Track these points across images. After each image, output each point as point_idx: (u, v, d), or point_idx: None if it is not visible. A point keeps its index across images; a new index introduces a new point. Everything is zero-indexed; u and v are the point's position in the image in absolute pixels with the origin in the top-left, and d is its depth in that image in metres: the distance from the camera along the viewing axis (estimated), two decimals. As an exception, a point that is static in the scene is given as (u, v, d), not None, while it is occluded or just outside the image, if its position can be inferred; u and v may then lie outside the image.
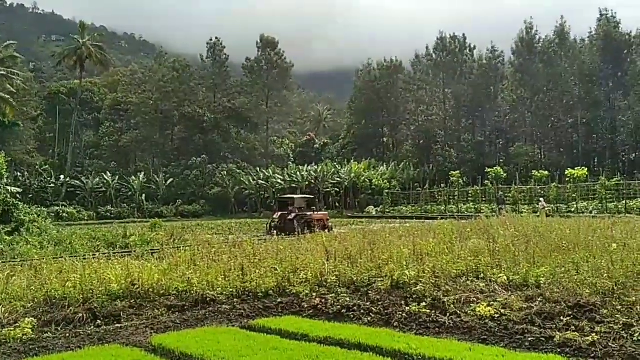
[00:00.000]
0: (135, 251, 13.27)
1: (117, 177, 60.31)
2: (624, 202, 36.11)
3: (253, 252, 11.18)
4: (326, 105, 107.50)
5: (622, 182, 40.27)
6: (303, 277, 9.14)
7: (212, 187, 61.51)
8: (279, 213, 27.37)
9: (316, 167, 60.74)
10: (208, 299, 8.54)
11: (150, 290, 8.69)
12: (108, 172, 61.23)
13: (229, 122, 69.85)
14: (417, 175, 58.91)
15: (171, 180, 61.77)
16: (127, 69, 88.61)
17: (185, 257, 10.95)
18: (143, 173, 62.08)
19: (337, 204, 58.39)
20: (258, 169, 63.22)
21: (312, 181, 57.81)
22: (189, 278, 8.99)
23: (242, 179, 60.45)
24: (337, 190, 57.42)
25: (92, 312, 7.85)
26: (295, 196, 32.19)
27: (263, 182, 59.85)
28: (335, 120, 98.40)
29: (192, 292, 8.69)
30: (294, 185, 57.81)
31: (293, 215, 26.27)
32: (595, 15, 60.24)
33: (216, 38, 72.72)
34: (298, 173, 58.94)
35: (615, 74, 56.72)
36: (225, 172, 61.63)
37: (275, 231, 22.32)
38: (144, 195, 58.19)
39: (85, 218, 50.96)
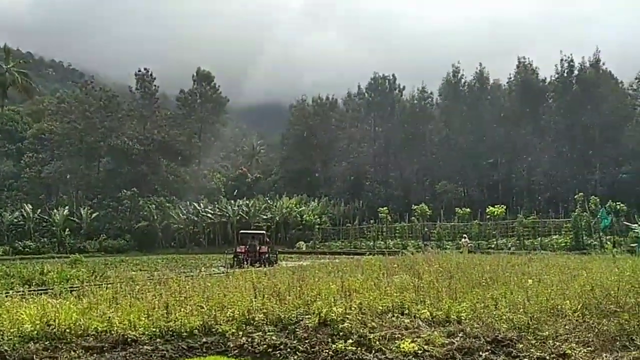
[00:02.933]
0: (52, 289, 12.45)
1: (38, 210, 56.90)
2: (539, 238, 38.43)
3: (179, 289, 10.80)
4: (260, 139, 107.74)
5: (537, 220, 42.95)
6: (230, 315, 8.93)
7: (138, 221, 59.17)
8: (243, 246, 30.26)
9: (248, 201, 60.20)
10: (129, 340, 8.12)
11: (67, 330, 8.15)
12: (28, 205, 57.42)
13: (159, 155, 68.10)
14: (347, 211, 59.85)
15: (96, 214, 58.89)
16: (54, 97, 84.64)
17: (107, 295, 10.40)
18: (66, 206, 58.74)
19: (267, 239, 57.69)
20: (188, 202, 61.71)
21: (244, 216, 57.13)
22: (109, 317, 8.53)
23: (171, 212, 58.66)
24: (268, 225, 57.08)
25: (2, 356, 7.25)
26: (258, 231, 36.50)
27: (193, 217, 58.38)
28: (268, 154, 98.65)
29: (113, 332, 8.25)
30: (224, 220, 56.83)
31: (258, 247, 29.77)
32: (514, 62, 65.25)
33: (145, 69, 71.63)
34: (229, 207, 58.09)
35: (532, 117, 61.05)
36: (154, 206, 59.59)
37: (245, 263, 24.79)
38: (66, 229, 54.98)
39: (0, 253, 47.40)
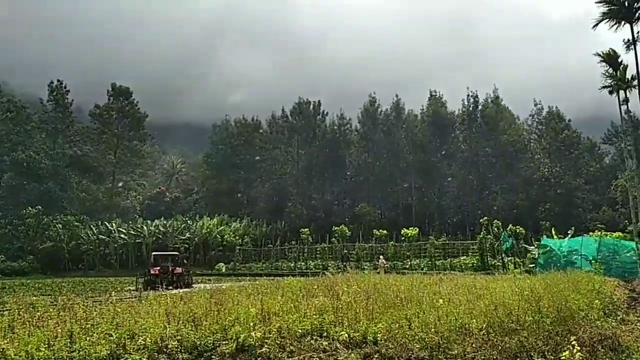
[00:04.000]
0: None
1: None
2: (449, 259, 40.31)
3: (85, 316, 10.14)
4: (180, 157, 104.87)
5: (447, 241, 45.22)
6: (141, 344, 8.50)
7: (43, 242, 55.01)
8: (157, 268, 29.52)
9: (165, 221, 58.09)
10: (26, 373, 7.48)
11: (-50, 366, 7.37)
12: None
13: (69, 171, 64.18)
14: (269, 232, 59.47)
15: (-5, 233, 54.19)
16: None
17: (2, 324, 9.54)
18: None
19: (185, 261, 55.61)
20: (99, 222, 58.44)
21: (160, 236, 54.97)
22: (3, 349, 7.82)
23: (79, 232, 55.16)
24: (187, 246, 55.29)
25: None
26: (172, 252, 35.96)
27: (104, 237, 55.27)
28: (189, 173, 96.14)
29: (7, 366, 7.56)
30: (139, 241, 54.37)
31: (171, 269, 29.29)
32: (427, 94, 69.84)
33: (58, 81, 67.79)
34: (145, 228, 55.70)
35: (442, 145, 65.21)
36: (61, 225, 55.74)
37: (160, 285, 23.85)
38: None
39: None
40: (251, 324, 9.19)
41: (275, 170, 71.21)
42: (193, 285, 27.71)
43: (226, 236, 55.35)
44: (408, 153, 66.63)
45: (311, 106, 72.90)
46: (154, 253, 35.87)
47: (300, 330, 9.12)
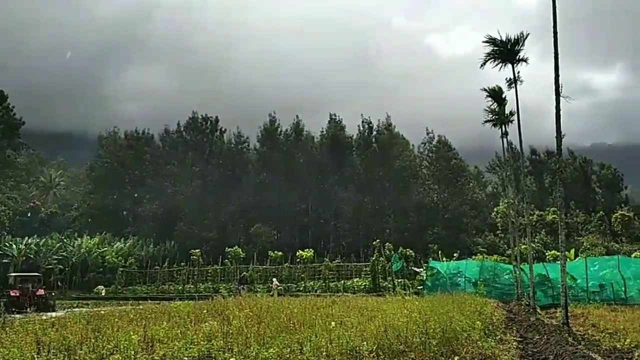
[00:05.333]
0: None
1: None
2: (342, 281, 41.04)
3: None
4: (60, 169, 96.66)
5: (341, 263, 46.12)
6: (1, 378, 7.47)
7: None
8: (17, 290, 28.93)
9: (39, 239, 52.84)
10: None
11: None
12: None
13: None
14: (157, 253, 56.56)
15: None
16: None
17: None
18: None
19: (59, 283, 50.80)
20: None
21: (32, 256, 49.80)
22: None
23: None
24: (62, 267, 50.63)
25: None
26: (33, 273, 34.87)
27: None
28: (69, 187, 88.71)
29: None
30: (5, 261, 48.80)
31: (32, 291, 28.77)
32: (326, 117, 71.67)
33: None
34: (14, 246, 50.16)
35: (339, 168, 66.89)
36: None
37: (26, 308, 23.93)
38: None
39: None
40: (132, 352, 8.51)
41: (166, 187, 68.22)
42: (57, 309, 26.66)
43: (108, 256, 51.66)
44: (307, 174, 67.39)
45: (208, 122, 71.33)
46: (12, 274, 34.13)
47: (186, 358, 8.60)
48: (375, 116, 73.55)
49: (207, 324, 12.31)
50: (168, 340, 9.88)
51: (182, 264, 50.35)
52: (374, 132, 68.84)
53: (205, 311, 15.22)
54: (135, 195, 68.53)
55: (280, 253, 48.85)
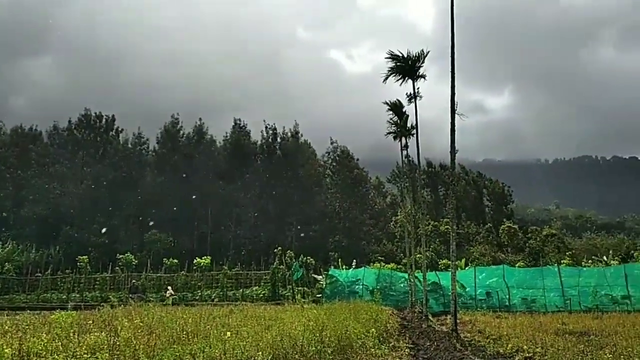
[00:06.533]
0: None
1: None
2: (241, 289, 40.41)
3: None
4: None
5: (240, 271, 45.32)
6: None
7: None
8: None
9: None
10: None
11: None
12: None
13: None
14: (39, 259, 51.94)
15: None
16: None
17: None
18: None
19: None
20: None
21: None
22: None
23: None
24: None
25: None
26: None
27: None
28: None
29: None
30: None
31: None
32: (231, 122, 70.59)
33: None
34: None
35: (240, 175, 66.06)
36: None
37: None
38: None
39: None
40: (1, 369, 7.66)
41: (52, 188, 62.99)
42: None
43: (-20, 262, 46.52)
44: (208, 179, 65.73)
45: (102, 120, 67.16)
46: None
47: (65, 374, 7.91)
48: (282, 124, 73.79)
49: (92, 335, 11.47)
50: (47, 354, 9.06)
51: (68, 271, 46.62)
52: (279, 139, 69.04)
53: (90, 322, 14.17)
54: (17, 195, 62.53)
55: (176, 260, 46.94)
